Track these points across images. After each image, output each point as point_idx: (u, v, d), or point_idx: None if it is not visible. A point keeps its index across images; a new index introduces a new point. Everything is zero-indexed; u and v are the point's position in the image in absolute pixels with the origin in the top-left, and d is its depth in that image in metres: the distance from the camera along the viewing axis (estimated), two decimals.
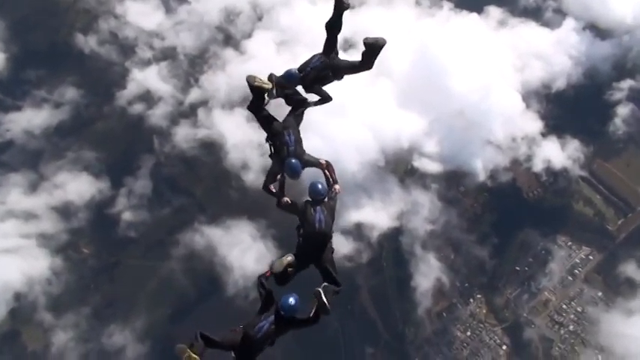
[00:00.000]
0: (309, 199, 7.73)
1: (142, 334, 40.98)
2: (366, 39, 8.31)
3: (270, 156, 8.28)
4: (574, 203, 47.18)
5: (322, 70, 8.48)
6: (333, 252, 7.72)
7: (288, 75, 8.41)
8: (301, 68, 8.51)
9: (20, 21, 51.29)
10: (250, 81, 8.01)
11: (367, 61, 8.49)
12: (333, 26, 8.55)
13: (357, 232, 42.45)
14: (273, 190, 8.11)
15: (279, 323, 7.02)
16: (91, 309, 41.88)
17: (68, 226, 44.19)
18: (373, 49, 8.30)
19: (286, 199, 7.98)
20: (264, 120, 8.35)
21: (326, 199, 7.74)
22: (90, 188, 45.40)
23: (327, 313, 6.95)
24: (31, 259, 42.25)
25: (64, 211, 44.61)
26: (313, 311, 7.08)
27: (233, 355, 7.02)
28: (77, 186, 45.42)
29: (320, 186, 7.74)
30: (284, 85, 8.40)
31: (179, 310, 42.04)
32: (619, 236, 46.10)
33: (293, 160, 7.74)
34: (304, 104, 8.60)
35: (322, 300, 6.92)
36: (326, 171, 8.25)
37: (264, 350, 7.11)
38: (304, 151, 8.11)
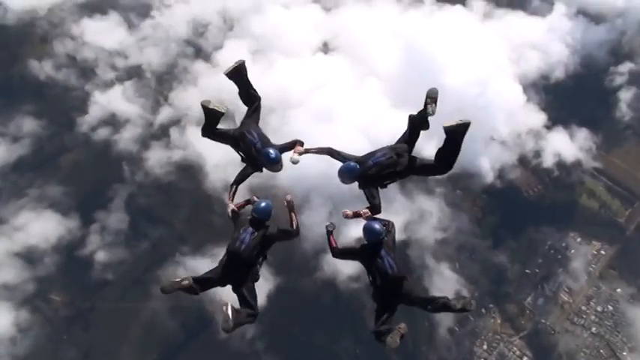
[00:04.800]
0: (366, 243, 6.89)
1: None
2: (446, 124, 6.79)
3: (243, 160, 7.74)
4: (577, 197, 43.27)
5: (387, 168, 7.12)
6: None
7: (347, 168, 7.17)
8: (362, 160, 7.26)
9: None
10: (205, 105, 7.41)
11: (447, 158, 7.00)
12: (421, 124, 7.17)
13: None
14: (232, 195, 7.60)
15: (258, 229, 6.80)
16: None
17: (34, 274, 37.36)
18: (456, 135, 6.77)
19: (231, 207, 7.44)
20: (222, 137, 7.74)
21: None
22: (57, 228, 38.83)
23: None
24: None
25: (28, 256, 37.84)
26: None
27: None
28: (42, 227, 38.70)
29: (377, 226, 6.85)
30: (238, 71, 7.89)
31: (166, 354, 36.44)
32: (629, 227, 42.25)
33: (270, 150, 7.25)
34: (256, 98, 7.95)
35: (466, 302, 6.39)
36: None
37: (257, 265, 6.87)
38: (272, 143, 7.55)
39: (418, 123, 7.10)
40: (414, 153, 7.30)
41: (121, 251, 38.69)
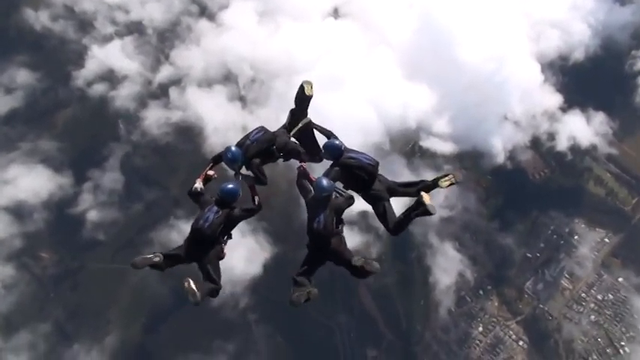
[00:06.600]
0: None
1: (113, 352, 33.41)
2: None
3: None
4: (584, 183, 41.45)
5: (360, 170, 6.97)
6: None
7: (333, 145, 7.00)
8: (348, 149, 7.13)
9: None
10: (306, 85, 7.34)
11: (398, 227, 6.86)
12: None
13: (364, 222, 34.57)
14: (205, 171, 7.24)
15: (222, 208, 6.64)
16: (51, 325, 33.85)
17: (22, 230, 35.73)
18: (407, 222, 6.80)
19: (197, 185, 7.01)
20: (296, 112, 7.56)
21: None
22: (48, 184, 37.05)
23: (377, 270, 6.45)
24: None
25: (17, 211, 36.17)
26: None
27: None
28: (33, 182, 36.94)
29: (325, 183, 6.66)
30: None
31: (155, 319, 34.97)
32: (635, 216, 40.49)
33: (233, 148, 6.91)
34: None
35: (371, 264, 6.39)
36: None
37: (220, 243, 6.74)
38: (259, 157, 7.11)
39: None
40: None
41: (113, 211, 37.12)
